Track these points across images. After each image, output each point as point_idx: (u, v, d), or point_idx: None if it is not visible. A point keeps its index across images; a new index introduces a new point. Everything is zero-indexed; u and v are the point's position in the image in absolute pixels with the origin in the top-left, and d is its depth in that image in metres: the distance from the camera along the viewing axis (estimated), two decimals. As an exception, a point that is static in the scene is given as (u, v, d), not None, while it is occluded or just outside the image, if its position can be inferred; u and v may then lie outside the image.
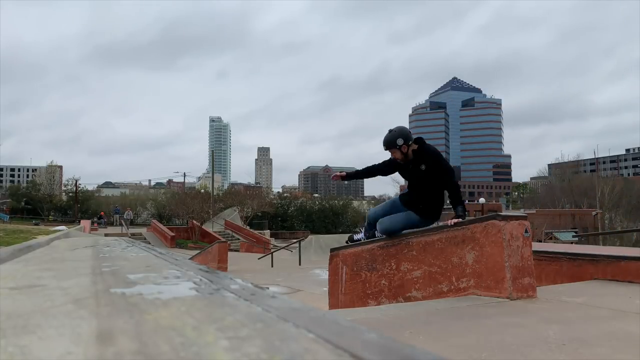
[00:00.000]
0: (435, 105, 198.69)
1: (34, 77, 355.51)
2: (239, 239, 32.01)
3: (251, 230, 35.83)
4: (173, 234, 28.59)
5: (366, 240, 4.90)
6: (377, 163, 4.74)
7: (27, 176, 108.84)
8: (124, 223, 34.08)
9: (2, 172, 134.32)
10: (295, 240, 24.73)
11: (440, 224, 4.15)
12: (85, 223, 27.74)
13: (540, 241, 22.81)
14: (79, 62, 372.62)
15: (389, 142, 4.29)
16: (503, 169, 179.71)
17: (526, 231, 3.50)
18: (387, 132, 4.37)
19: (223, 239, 21.33)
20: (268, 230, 41.21)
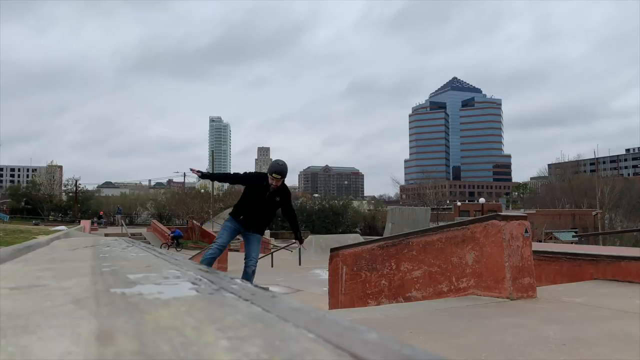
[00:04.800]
0: (435, 105, 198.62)
1: (64, 83, 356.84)
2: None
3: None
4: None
5: (365, 241, 4.93)
6: (237, 173, 5.43)
7: (27, 176, 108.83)
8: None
9: (2, 172, 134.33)
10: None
11: (441, 224, 4.14)
12: (85, 223, 27.71)
13: (540, 241, 22.78)
14: (111, 69, 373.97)
15: (284, 172, 4.91)
16: (503, 169, 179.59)
17: (526, 231, 3.50)
18: (274, 161, 5.03)
19: (223, 239, 21.30)
20: (268, 230, 41.20)
